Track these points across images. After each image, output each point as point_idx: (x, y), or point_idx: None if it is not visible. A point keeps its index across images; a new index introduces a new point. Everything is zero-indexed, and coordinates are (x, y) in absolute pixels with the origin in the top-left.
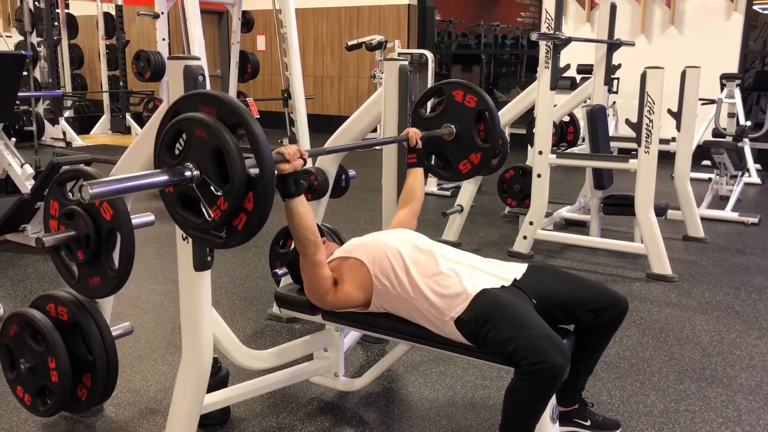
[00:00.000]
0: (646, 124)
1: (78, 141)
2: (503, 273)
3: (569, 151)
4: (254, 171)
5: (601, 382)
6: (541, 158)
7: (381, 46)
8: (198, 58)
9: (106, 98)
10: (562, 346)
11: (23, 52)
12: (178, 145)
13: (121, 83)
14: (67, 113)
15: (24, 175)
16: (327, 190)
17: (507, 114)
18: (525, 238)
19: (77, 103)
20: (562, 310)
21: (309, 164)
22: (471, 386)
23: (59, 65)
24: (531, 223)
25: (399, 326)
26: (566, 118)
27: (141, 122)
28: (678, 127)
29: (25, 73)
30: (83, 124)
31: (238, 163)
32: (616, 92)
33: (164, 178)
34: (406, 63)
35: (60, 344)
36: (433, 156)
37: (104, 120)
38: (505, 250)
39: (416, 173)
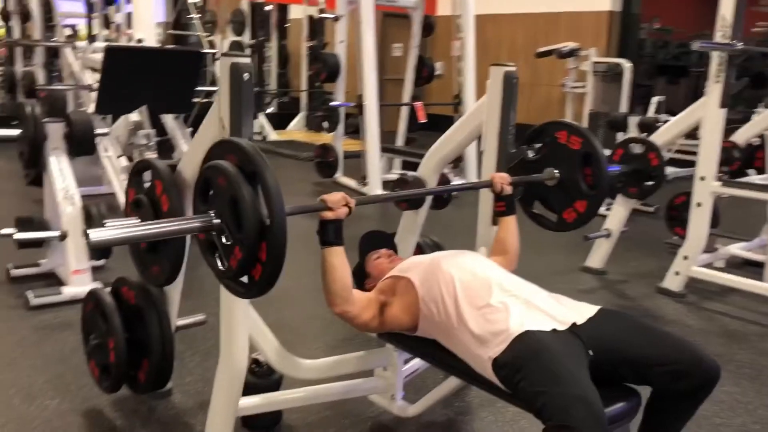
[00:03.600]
0: None
1: (272, 135)
2: (562, 314)
3: (745, 180)
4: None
5: None
6: (702, 185)
7: (573, 54)
8: (248, 56)
9: (303, 96)
10: (597, 413)
11: (199, 50)
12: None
13: (317, 83)
14: (269, 109)
15: None
16: (423, 200)
17: (666, 133)
18: (677, 274)
19: (279, 100)
20: (630, 368)
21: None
22: None
23: (267, 65)
24: (685, 258)
25: (446, 357)
26: (757, 141)
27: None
28: None
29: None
30: (283, 120)
31: (250, 212)
32: None
33: (180, 227)
34: (514, 69)
35: (118, 327)
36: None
37: (300, 117)
38: (655, 285)
39: (507, 223)
